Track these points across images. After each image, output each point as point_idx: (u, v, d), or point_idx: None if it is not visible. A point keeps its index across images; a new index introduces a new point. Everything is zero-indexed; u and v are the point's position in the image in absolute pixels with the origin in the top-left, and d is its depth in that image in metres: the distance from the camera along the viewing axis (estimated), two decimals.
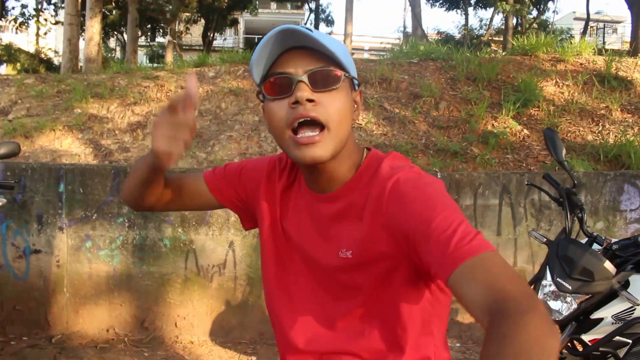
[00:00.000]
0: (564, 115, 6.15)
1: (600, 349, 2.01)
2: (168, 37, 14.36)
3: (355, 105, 1.14)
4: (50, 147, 5.36)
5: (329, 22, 27.62)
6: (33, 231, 3.62)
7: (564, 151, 2.23)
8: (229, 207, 1.36)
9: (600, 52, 8.10)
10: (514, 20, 19.12)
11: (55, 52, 24.43)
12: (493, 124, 5.84)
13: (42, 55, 23.02)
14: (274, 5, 31.28)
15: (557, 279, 2.01)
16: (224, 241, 3.61)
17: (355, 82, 1.13)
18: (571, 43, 8.13)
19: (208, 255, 3.63)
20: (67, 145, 5.40)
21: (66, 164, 3.80)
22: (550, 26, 20.22)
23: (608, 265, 1.97)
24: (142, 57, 23.20)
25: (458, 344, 3.55)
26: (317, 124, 1.03)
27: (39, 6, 20.79)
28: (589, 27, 18.20)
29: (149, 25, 20.19)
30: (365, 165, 1.14)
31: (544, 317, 0.77)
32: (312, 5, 24.60)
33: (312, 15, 25.15)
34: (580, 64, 7.39)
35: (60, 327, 3.64)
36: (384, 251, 1.06)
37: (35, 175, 3.63)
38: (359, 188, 1.12)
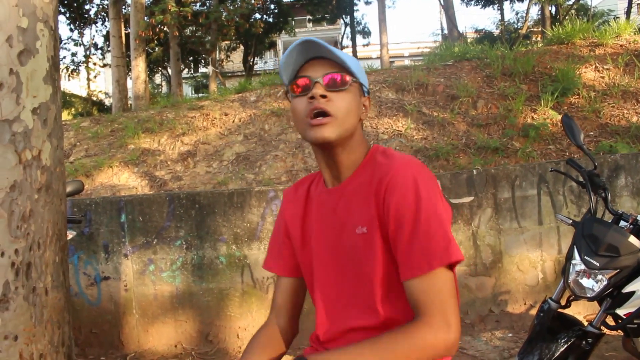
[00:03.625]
0: (605, 99, 6.06)
1: (635, 321, 2.07)
2: (210, 67, 14.81)
3: (364, 108, 1.40)
4: (109, 183, 5.71)
5: (366, 33, 27.69)
6: (101, 260, 3.89)
7: (582, 135, 2.32)
8: None
9: None
10: (552, 9, 18.77)
11: (106, 93, 25.51)
12: (532, 117, 5.83)
13: (94, 98, 24.09)
14: (309, 23, 31.65)
15: (585, 257, 2.09)
16: None
17: (365, 89, 1.40)
18: (609, 25, 7.93)
19: (262, 268, 3.81)
20: (124, 180, 5.74)
21: (125, 196, 4.08)
22: (589, 10, 19.70)
23: (633, 239, 2.04)
24: (187, 88, 23.96)
25: (510, 334, 3.60)
26: (327, 115, 1.28)
27: (88, 52, 21.92)
28: (632, 4, 17.60)
29: (191, 58, 20.89)
30: (367, 157, 1.37)
31: (436, 332, 1.14)
32: (347, 19, 24.78)
33: (348, 29, 25.34)
34: (621, 45, 7.24)
35: (133, 345, 3.87)
36: (386, 227, 1.26)
37: (99, 209, 3.93)
38: (364, 173, 1.34)
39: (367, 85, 1.40)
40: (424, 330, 1.14)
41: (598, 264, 2.06)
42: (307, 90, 1.30)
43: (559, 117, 5.81)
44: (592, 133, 5.60)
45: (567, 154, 5.25)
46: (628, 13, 15.77)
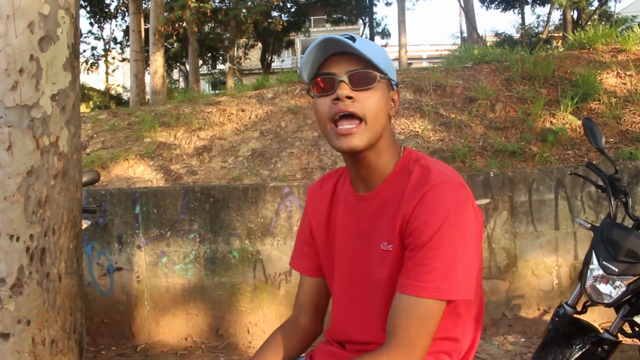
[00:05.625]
0: (627, 106, 5.97)
1: None
2: (228, 64, 14.87)
3: (392, 103, 1.28)
4: (124, 175, 5.74)
5: (385, 34, 27.63)
6: (115, 250, 3.90)
7: (603, 139, 2.28)
8: None
9: None
10: (574, 14, 18.57)
11: (124, 87, 25.74)
12: (551, 121, 5.77)
13: (112, 92, 24.31)
14: (328, 23, 31.60)
15: (604, 262, 2.05)
16: (288, 250, 3.78)
17: (393, 82, 1.27)
18: (633, 31, 7.82)
19: (274, 264, 3.82)
20: (140, 173, 5.76)
21: (140, 188, 4.09)
22: (613, 16, 19.47)
23: None
24: (204, 85, 24.07)
25: (523, 339, 3.56)
26: (355, 117, 1.18)
27: (107, 46, 22.12)
28: None
29: (209, 54, 21.00)
30: (401, 163, 1.28)
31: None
32: (367, 19, 24.74)
33: (367, 30, 25.28)
34: None
35: (144, 337, 3.88)
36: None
37: (114, 200, 3.93)
38: (396, 186, 1.25)
39: (395, 77, 1.28)
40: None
41: (617, 270, 2.02)
42: (330, 90, 1.19)
43: (579, 122, 5.74)
44: (612, 139, 5.52)
45: (585, 159, 5.18)
46: None
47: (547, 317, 3.67)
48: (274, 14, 18.43)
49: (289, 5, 20.70)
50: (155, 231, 3.88)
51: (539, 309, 3.73)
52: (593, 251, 2.12)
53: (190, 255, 3.85)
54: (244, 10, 13.96)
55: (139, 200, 3.89)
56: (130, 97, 12.70)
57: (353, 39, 1.20)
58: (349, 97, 1.18)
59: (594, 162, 4.23)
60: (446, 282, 1.12)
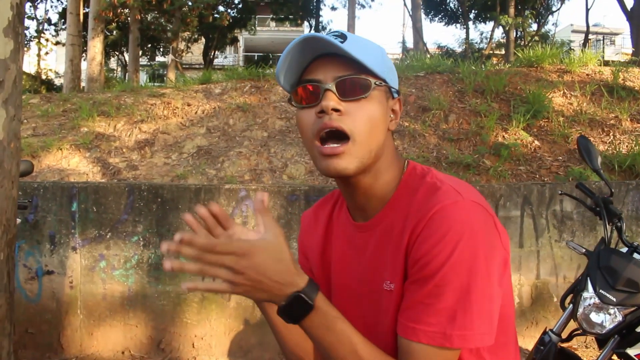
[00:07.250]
0: (574, 125, 6.10)
1: None
2: (170, 56, 14.42)
3: (393, 115, 1.08)
4: (57, 166, 5.31)
5: None
6: (45, 252, 3.57)
7: (599, 159, 2.16)
8: None
9: (606, 63, 8.09)
10: (515, 33, 19.27)
11: (56, 73, 24.52)
12: (504, 136, 5.80)
13: (44, 76, 23.11)
14: (273, 23, 31.42)
15: (600, 290, 1.93)
16: None
17: (393, 90, 1.07)
18: (571, 55, 8.10)
19: None
20: (74, 164, 5.36)
21: (79, 183, 3.75)
22: (551, 38, 20.36)
23: None
24: (142, 76, 23.35)
25: None
26: (343, 135, 0.98)
27: (40, 27, 20.95)
28: (589, 39, 18.32)
29: (150, 45, 20.33)
30: (404, 182, 1.07)
31: None
32: (312, 22, 24.67)
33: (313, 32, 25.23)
34: (587, 74, 7.36)
35: (74, 350, 3.58)
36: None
37: (48, 195, 3.58)
38: (399, 211, 1.05)
39: (396, 84, 1.08)
40: None
41: (615, 299, 1.90)
42: (315, 101, 1.00)
43: (530, 138, 5.81)
44: (560, 158, 5.61)
45: (537, 176, 5.23)
46: (584, 45, 16.37)
47: None
48: (221, 8, 18.10)
49: (236, 1, 20.37)
50: (94, 232, 3.58)
51: None
52: (588, 278, 1.99)
53: (132, 260, 3.57)
54: (189, 2, 13.57)
55: (76, 197, 3.57)
56: (64, 83, 12.06)
57: (344, 37, 1.01)
58: (336, 110, 0.98)
59: (545, 180, 4.21)
60: (455, 327, 0.92)
